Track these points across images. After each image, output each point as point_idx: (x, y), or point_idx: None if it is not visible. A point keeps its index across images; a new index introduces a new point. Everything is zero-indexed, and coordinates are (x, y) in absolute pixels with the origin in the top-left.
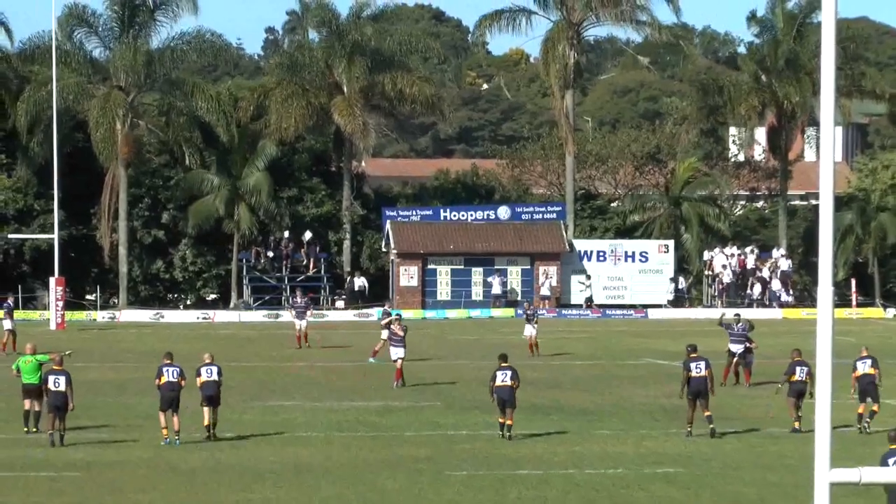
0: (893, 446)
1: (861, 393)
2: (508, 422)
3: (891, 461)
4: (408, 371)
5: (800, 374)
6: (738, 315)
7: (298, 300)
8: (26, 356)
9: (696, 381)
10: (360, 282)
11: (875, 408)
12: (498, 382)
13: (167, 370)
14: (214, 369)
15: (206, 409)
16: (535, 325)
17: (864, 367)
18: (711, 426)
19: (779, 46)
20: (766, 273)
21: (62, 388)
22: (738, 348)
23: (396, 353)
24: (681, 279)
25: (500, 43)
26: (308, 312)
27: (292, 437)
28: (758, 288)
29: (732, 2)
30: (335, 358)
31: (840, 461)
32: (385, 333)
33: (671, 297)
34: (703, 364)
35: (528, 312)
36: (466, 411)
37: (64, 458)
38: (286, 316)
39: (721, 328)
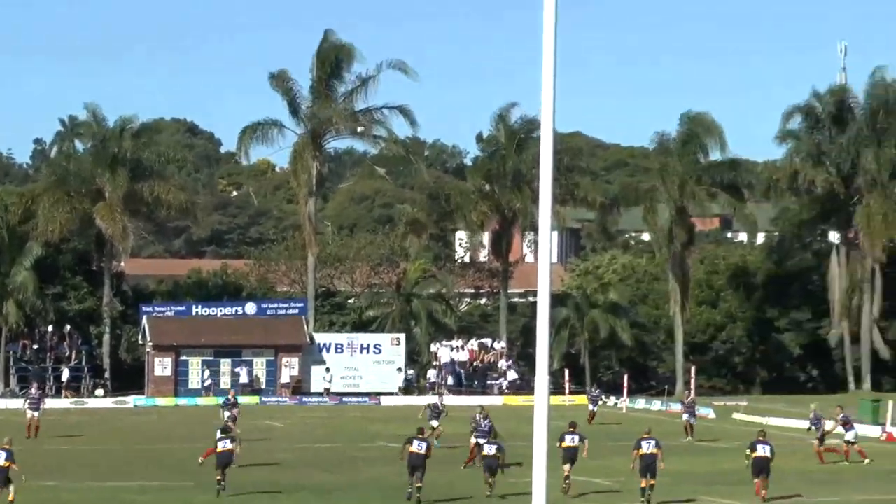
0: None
1: (643, 469)
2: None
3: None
4: (153, 453)
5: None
6: (482, 408)
7: (33, 392)
8: None
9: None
10: (66, 372)
11: (653, 482)
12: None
13: None
14: (3, 454)
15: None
16: (236, 413)
17: (648, 447)
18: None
19: (506, 162)
20: (496, 362)
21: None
22: (485, 444)
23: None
24: (409, 370)
25: (251, 153)
26: (41, 404)
27: None
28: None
29: (460, 115)
30: (99, 441)
31: None
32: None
33: (402, 384)
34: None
35: (230, 400)
36: (213, 490)
37: None
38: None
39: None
